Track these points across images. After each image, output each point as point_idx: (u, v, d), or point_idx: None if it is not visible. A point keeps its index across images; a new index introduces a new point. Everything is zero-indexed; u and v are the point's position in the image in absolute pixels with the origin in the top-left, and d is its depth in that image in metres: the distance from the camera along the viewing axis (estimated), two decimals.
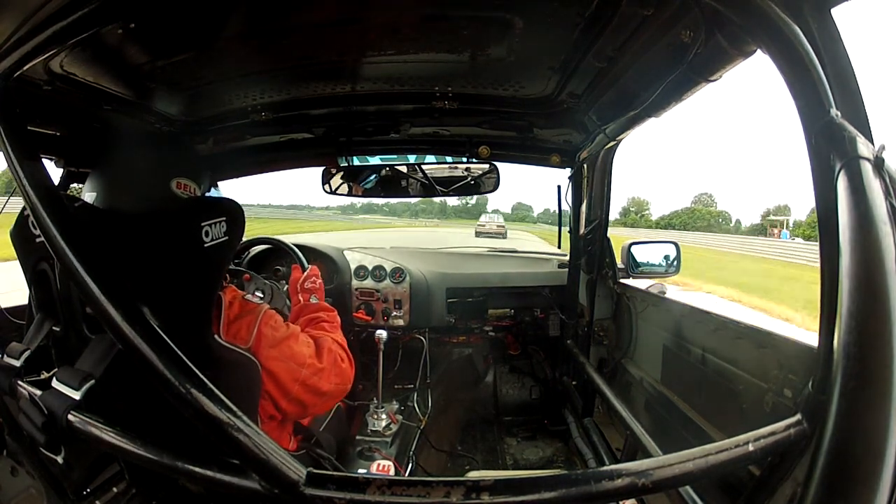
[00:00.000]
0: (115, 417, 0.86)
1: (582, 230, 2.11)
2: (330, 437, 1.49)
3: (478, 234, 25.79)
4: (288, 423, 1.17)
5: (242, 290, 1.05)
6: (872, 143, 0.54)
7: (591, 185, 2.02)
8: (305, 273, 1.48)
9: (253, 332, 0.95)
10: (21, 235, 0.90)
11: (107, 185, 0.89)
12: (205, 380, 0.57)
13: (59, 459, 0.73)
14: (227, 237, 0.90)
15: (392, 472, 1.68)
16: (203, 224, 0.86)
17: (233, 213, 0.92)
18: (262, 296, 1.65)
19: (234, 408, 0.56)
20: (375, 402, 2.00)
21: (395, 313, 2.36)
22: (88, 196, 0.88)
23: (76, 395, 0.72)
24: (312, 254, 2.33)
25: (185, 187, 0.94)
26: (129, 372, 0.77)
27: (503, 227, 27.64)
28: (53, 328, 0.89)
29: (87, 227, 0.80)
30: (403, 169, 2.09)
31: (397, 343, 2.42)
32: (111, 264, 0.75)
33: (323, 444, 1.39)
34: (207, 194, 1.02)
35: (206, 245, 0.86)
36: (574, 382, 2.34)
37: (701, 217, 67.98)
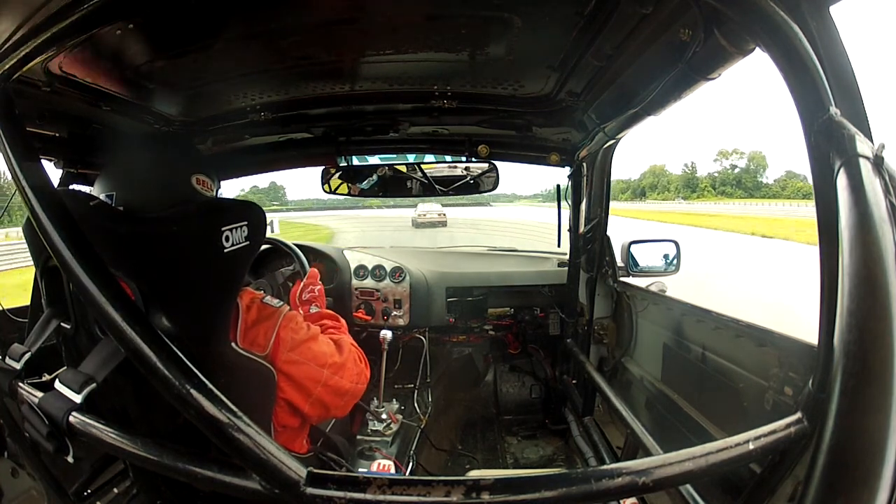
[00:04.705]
0: (117, 417, 0.86)
1: (581, 228, 2.11)
2: (343, 439, 1.48)
3: (417, 226, 24.28)
4: (305, 429, 1.15)
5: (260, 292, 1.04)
6: (872, 142, 0.54)
7: (591, 183, 2.02)
8: (303, 283, 1.46)
9: (271, 338, 0.93)
10: (32, 230, 0.90)
11: (126, 184, 0.88)
12: (206, 382, 0.57)
13: (70, 458, 0.73)
14: (247, 242, 0.89)
15: (393, 471, 1.69)
16: (224, 229, 0.85)
17: (254, 217, 0.91)
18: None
19: (235, 409, 0.56)
20: (376, 401, 2.00)
21: (395, 313, 2.36)
22: (103, 197, 0.87)
23: (77, 399, 0.71)
24: (312, 253, 2.33)
25: (203, 183, 0.93)
26: (132, 373, 0.77)
27: (444, 214, 26.11)
28: (63, 325, 0.89)
29: (104, 226, 0.78)
30: (403, 168, 2.09)
31: (397, 343, 2.42)
32: (121, 264, 0.75)
33: (338, 446, 1.39)
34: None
35: (225, 250, 0.85)
36: (574, 381, 2.34)
37: None
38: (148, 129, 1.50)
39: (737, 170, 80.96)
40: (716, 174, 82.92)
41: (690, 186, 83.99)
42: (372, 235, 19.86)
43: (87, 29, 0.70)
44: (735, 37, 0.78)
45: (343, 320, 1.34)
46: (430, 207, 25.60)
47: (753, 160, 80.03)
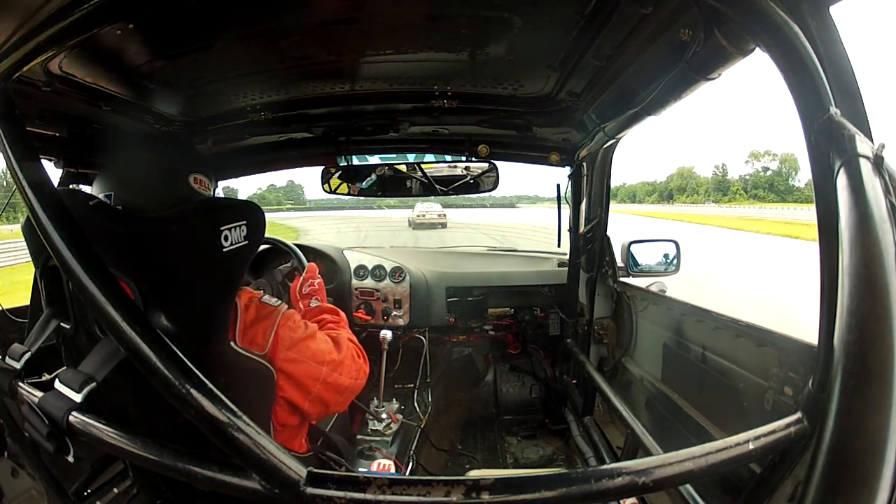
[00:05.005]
0: (117, 417, 0.86)
1: (581, 228, 2.11)
2: (342, 439, 1.48)
3: (415, 227, 22.94)
4: (304, 427, 1.16)
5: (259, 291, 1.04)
6: (872, 142, 0.54)
7: (591, 183, 2.02)
8: (302, 277, 1.46)
9: (270, 337, 0.94)
10: (32, 230, 0.89)
11: (124, 184, 0.88)
12: (205, 381, 0.57)
13: (70, 458, 0.73)
14: (246, 241, 0.89)
15: (393, 471, 1.69)
16: (223, 228, 0.85)
17: (253, 216, 0.91)
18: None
19: (235, 408, 0.56)
20: (376, 401, 2.01)
21: (395, 313, 2.36)
22: (102, 196, 0.87)
23: (77, 398, 0.71)
24: (312, 253, 2.33)
25: (201, 182, 0.94)
26: (132, 373, 0.77)
27: (444, 214, 24.26)
28: (62, 325, 0.89)
29: (104, 226, 0.79)
30: (403, 168, 2.09)
31: (397, 343, 2.42)
32: (121, 264, 0.75)
33: (337, 445, 1.39)
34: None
35: (224, 250, 0.85)
36: (574, 381, 2.34)
37: None
38: (148, 129, 1.50)
39: (769, 172, 77.65)
40: (747, 177, 79.16)
41: (721, 189, 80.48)
42: (352, 239, 18.16)
43: (87, 29, 0.70)
44: (735, 37, 0.78)
45: (343, 314, 1.34)
46: (428, 207, 24.53)
47: (786, 162, 77.14)
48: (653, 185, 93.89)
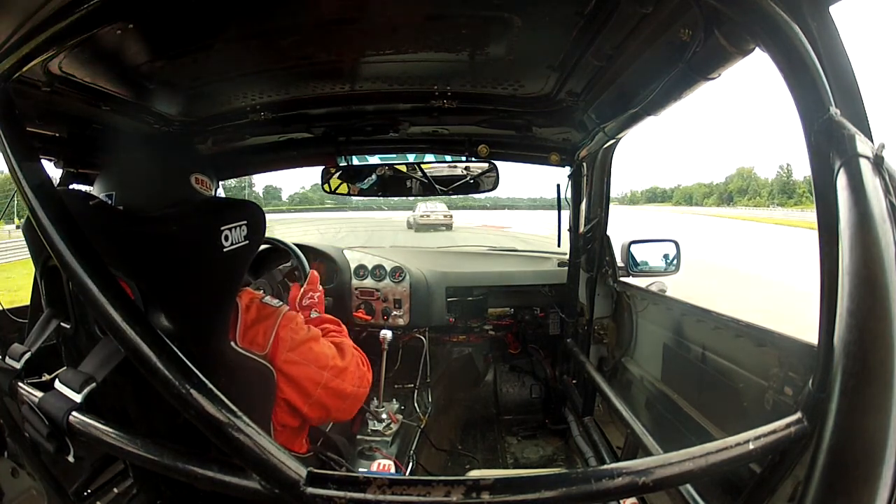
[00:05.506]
0: (117, 417, 0.86)
1: (581, 228, 2.11)
2: (342, 439, 1.48)
3: (417, 229, 21.34)
4: (305, 428, 1.15)
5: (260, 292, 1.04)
6: (872, 142, 0.54)
7: (591, 183, 2.02)
8: (303, 288, 1.45)
9: (270, 337, 0.94)
10: (32, 230, 0.90)
11: (125, 184, 0.88)
12: (205, 381, 0.57)
13: (70, 458, 0.73)
14: (247, 241, 0.89)
15: (393, 471, 1.69)
16: (223, 228, 0.85)
17: (254, 216, 0.91)
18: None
19: (235, 408, 0.56)
20: (376, 401, 2.01)
21: (395, 313, 2.36)
22: (102, 196, 0.87)
23: (77, 398, 0.71)
24: (312, 253, 2.33)
25: (202, 183, 0.94)
26: (132, 373, 0.77)
27: (450, 215, 22.48)
28: (63, 325, 0.89)
29: (104, 226, 0.79)
30: (403, 168, 2.09)
31: (397, 343, 2.42)
32: (121, 264, 0.75)
33: (337, 446, 1.39)
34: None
35: (224, 250, 0.85)
36: (574, 381, 2.34)
37: None
38: (148, 129, 1.50)
39: None
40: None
41: (786, 192, 75.04)
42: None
43: (87, 29, 0.70)
44: (735, 37, 0.78)
45: (344, 326, 1.33)
46: (432, 207, 22.93)
47: None
48: (710, 186, 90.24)
